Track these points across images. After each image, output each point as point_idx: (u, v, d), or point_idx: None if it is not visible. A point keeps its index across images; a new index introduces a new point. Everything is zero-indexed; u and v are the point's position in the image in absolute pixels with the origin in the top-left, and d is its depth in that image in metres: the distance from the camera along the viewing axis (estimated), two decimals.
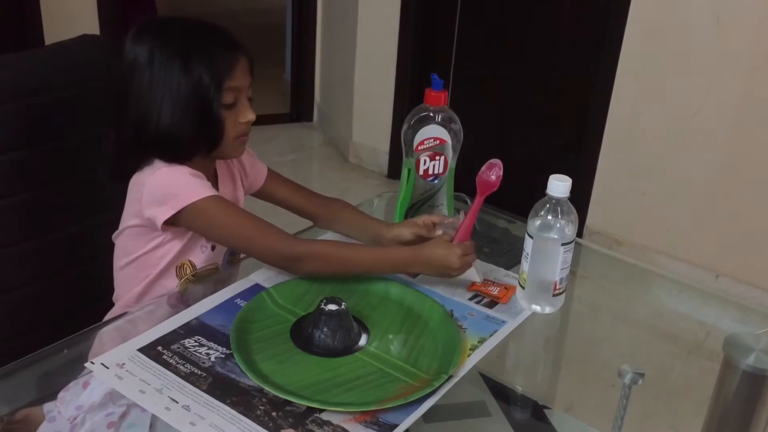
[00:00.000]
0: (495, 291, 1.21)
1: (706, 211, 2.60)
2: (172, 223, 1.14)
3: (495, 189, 1.18)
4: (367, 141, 3.54)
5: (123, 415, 1.04)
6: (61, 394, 1.05)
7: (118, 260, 1.23)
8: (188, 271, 1.21)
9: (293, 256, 1.13)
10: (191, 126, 1.12)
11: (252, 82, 1.18)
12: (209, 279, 1.22)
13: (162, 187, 1.12)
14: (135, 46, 1.12)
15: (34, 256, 1.35)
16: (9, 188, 1.29)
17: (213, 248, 1.22)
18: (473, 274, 1.18)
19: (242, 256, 1.27)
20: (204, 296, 1.13)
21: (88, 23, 3.17)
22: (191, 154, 1.15)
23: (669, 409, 1.18)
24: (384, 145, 3.46)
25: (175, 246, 1.18)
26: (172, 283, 1.21)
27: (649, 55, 2.61)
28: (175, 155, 1.14)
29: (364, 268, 1.17)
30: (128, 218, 1.19)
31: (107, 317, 1.25)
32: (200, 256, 1.21)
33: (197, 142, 1.14)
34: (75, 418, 1.04)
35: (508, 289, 1.22)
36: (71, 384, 1.04)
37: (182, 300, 1.16)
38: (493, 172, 1.18)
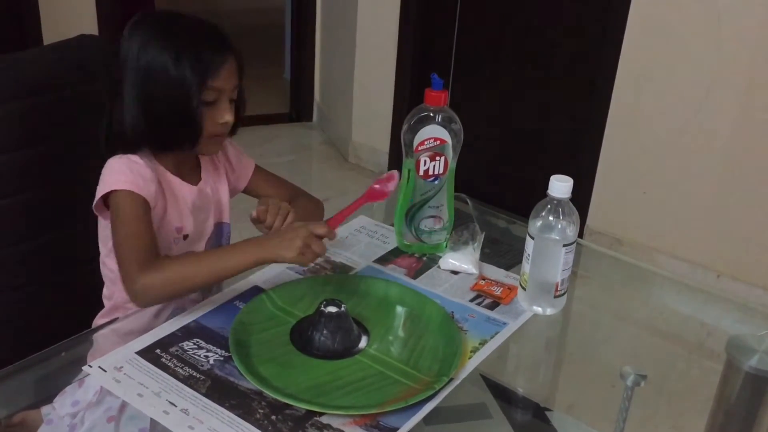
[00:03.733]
0: (498, 291, 1.20)
1: (707, 211, 2.60)
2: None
3: (383, 199, 1.18)
4: (366, 141, 3.54)
5: (122, 408, 1.04)
6: (58, 398, 1.05)
7: (101, 254, 1.24)
8: None
9: (130, 291, 1.07)
10: (170, 119, 1.13)
11: (238, 85, 1.18)
12: None
13: (104, 174, 1.14)
14: (130, 36, 1.14)
15: (34, 257, 1.34)
16: (8, 188, 1.28)
17: (186, 237, 1.22)
18: (470, 266, 1.17)
19: None
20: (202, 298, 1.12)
21: (87, 23, 3.16)
22: (169, 147, 1.17)
23: (670, 410, 1.18)
24: (384, 144, 3.45)
25: None
26: None
27: (650, 55, 2.60)
28: (155, 146, 1.16)
29: (206, 276, 1.08)
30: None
31: (98, 317, 1.25)
32: (175, 248, 1.21)
33: (175, 136, 1.15)
34: (74, 417, 1.04)
35: (511, 289, 1.21)
36: (68, 387, 1.04)
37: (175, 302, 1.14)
38: (391, 185, 1.18)
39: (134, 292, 1.06)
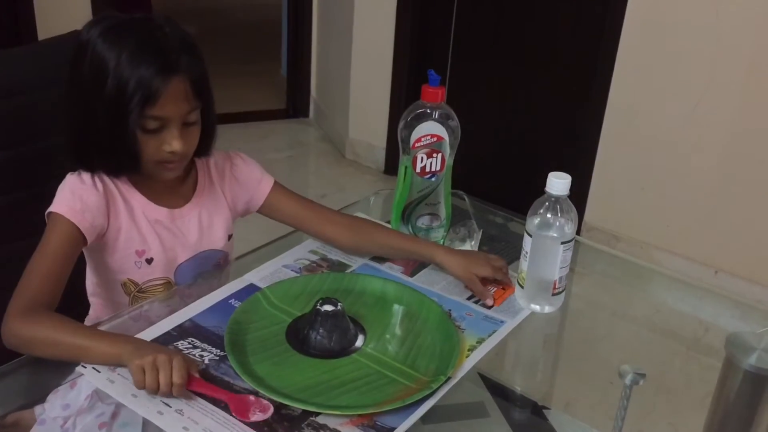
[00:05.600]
0: (491, 291, 1.19)
1: (705, 207, 2.59)
2: None
3: None
4: (363, 137, 3.53)
5: (114, 415, 1.03)
6: (50, 397, 1.04)
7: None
8: (132, 288, 1.18)
9: (1, 324, 1.00)
10: (105, 144, 1.07)
11: (196, 106, 1.08)
12: (167, 297, 1.17)
13: (57, 190, 1.11)
14: (84, 35, 1.07)
15: (24, 257, 1.33)
16: (3, 186, 1.27)
17: (150, 261, 1.17)
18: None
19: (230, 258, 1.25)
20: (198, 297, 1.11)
21: (82, 19, 3.14)
22: (112, 170, 1.12)
23: (668, 406, 1.17)
24: (381, 141, 3.44)
25: (92, 257, 1.17)
26: (124, 300, 1.19)
27: (648, 50, 2.59)
28: (96, 168, 1.11)
29: (67, 354, 0.97)
30: None
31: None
32: (138, 272, 1.17)
33: (114, 160, 1.10)
34: (65, 422, 1.03)
35: (505, 290, 1.20)
36: (61, 387, 1.03)
37: (145, 317, 1.11)
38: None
39: (2, 332, 0.99)
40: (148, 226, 1.16)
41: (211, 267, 1.23)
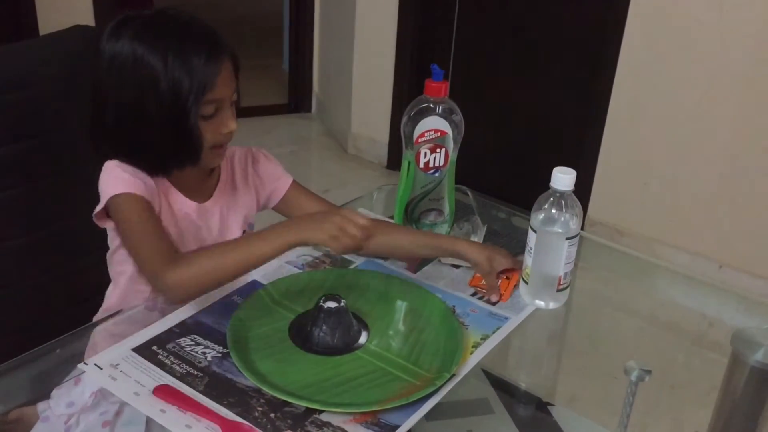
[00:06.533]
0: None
1: (708, 201, 2.59)
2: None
3: None
4: (365, 132, 3.52)
5: (117, 413, 1.02)
6: (54, 392, 1.04)
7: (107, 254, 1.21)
8: None
9: (160, 290, 1.05)
10: (165, 136, 1.07)
11: (237, 85, 1.11)
12: None
13: (101, 181, 1.10)
14: (114, 41, 1.06)
15: (30, 251, 1.33)
16: (4, 182, 1.27)
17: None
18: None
19: None
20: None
21: (83, 13, 3.13)
22: (167, 168, 1.11)
23: (672, 401, 1.17)
24: (383, 135, 3.43)
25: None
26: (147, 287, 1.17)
27: (651, 44, 2.58)
28: (149, 168, 1.10)
29: (235, 266, 1.03)
30: None
31: (97, 316, 1.22)
32: None
33: (172, 154, 1.10)
34: (69, 419, 1.03)
35: (510, 279, 1.19)
36: (64, 383, 1.02)
37: (158, 306, 1.11)
38: None
39: (164, 289, 1.03)
40: (180, 219, 1.16)
41: None
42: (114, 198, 1.07)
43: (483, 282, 1.18)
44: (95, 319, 1.21)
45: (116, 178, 1.08)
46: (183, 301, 1.06)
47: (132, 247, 1.08)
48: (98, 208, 1.09)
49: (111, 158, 1.10)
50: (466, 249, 1.18)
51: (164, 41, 1.05)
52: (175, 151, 1.09)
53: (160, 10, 1.10)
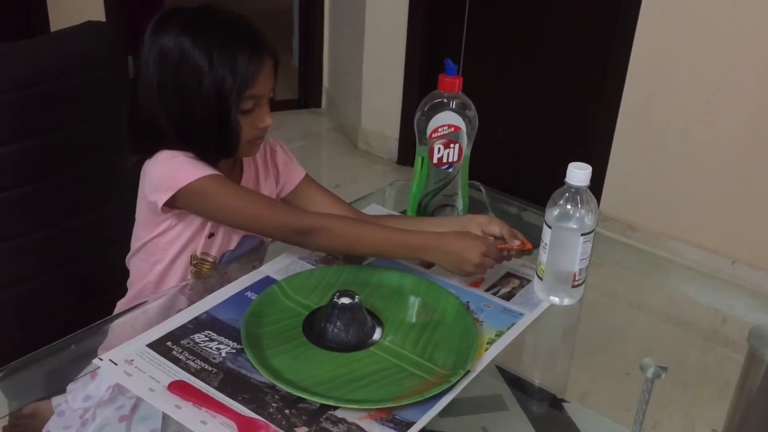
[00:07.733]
0: (515, 245, 1.15)
1: (721, 196, 2.57)
2: (173, 206, 1.12)
3: None
4: (376, 127, 3.51)
5: (134, 408, 1.03)
6: (69, 387, 1.04)
7: (132, 247, 1.22)
8: (193, 259, 1.20)
9: (303, 229, 1.11)
10: (207, 129, 1.10)
11: (275, 82, 1.14)
12: (208, 275, 1.19)
13: (162, 171, 1.11)
14: (158, 35, 1.08)
15: (40, 248, 1.33)
16: (15, 179, 1.27)
17: (211, 236, 1.19)
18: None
19: (270, 240, 1.25)
20: (213, 288, 1.11)
21: (94, 9, 3.14)
22: (205, 155, 1.13)
23: (685, 398, 1.16)
24: (393, 131, 3.42)
25: (181, 231, 1.16)
26: (185, 273, 1.19)
27: (664, 41, 2.56)
28: (193, 152, 1.12)
29: (374, 249, 1.14)
30: (138, 205, 1.18)
31: (119, 304, 1.24)
32: (201, 244, 1.19)
33: (212, 145, 1.12)
34: (85, 412, 1.03)
35: (524, 243, 1.15)
36: (81, 379, 1.03)
37: (195, 292, 1.13)
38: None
39: (306, 229, 1.10)
40: None
41: (248, 252, 1.26)
42: (194, 183, 1.08)
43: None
44: (120, 307, 1.22)
45: (186, 165, 1.10)
46: (322, 249, 1.17)
47: (249, 219, 1.12)
48: (164, 196, 1.09)
49: (149, 152, 1.12)
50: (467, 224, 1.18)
51: (210, 38, 1.07)
52: (215, 143, 1.12)
53: (204, 5, 1.13)
